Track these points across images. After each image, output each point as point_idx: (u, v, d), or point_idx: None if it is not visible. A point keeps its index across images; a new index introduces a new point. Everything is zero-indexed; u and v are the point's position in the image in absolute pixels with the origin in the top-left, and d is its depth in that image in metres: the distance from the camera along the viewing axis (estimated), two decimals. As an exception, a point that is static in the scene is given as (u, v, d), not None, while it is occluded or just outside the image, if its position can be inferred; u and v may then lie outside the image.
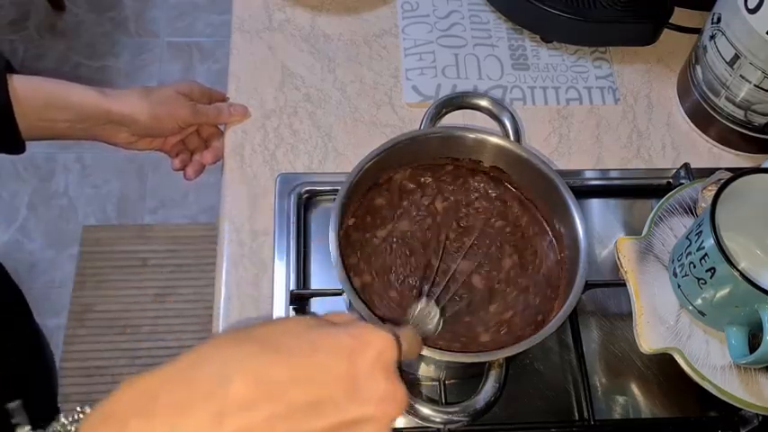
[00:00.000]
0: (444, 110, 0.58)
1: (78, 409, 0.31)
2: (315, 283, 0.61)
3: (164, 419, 0.29)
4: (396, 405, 0.33)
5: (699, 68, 0.69)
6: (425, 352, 0.46)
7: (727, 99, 0.66)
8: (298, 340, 0.32)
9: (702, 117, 0.71)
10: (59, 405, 0.79)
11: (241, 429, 0.29)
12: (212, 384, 0.30)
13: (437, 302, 0.45)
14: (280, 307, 0.59)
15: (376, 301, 0.52)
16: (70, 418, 0.31)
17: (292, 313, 0.58)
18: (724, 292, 0.50)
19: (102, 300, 1.47)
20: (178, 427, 0.29)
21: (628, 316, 0.56)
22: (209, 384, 0.30)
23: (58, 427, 0.30)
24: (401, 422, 0.56)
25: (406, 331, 0.38)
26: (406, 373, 0.50)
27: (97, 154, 1.63)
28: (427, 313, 0.44)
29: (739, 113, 0.67)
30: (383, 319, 0.50)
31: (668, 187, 0.65)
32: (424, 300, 0.44)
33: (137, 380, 0.30)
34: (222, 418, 0.29)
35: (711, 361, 0.53)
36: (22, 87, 0.60)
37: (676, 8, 0.77)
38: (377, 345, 0.33)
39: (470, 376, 0.56)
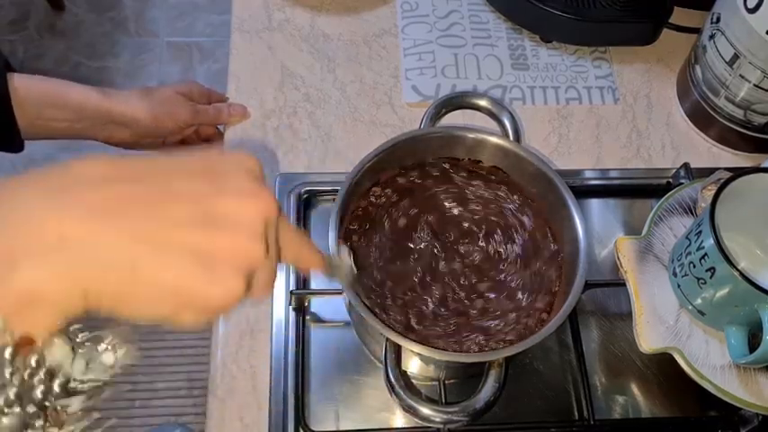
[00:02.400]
0: (444, 110, 0.58)
1: None
2: (315, 284, 0.61)
3: (12, 189, 0.27)
4: (261, 201, 0.30)
5: (698, 68, 0.69)
6: (425, 351, 0.47)
7: (727, 99, 0.66)
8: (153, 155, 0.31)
9: (702, 117, 0.71)
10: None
11: (90, 201, 0.27)
12: (56, 173, 0.28)
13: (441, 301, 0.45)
14: (280, 307, 0.59)
15: (376, 302, 0.52)
16: None
17: (292, 314, 0.58)
18: (724, 291, 0.50)
19: (102, 300, 1.46)
20: (15, 205, 0.26)
21: (627, 316, 0.56)
22: (52, 172, 0.28)
23: None
24: (401, 422, 0.56)
25: (292, 226, 0.35)
26: (406, 374, 0.50)
27: (97, 154, 1.63)
28: (340, 255, 0.43)
29: (739, 113, 0.67)
30: (383, 320, 0.50)
31: (668, 187, 0.65)
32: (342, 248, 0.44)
33: None
34: (70, 188, 0.27)
35: (711, 361, 0.53)
36: (22, 86, 0.60)
37: (676, 8, 0.77)
38: (240, 154, 0.32)
39: (470, 376, 0.56)
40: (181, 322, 0.30)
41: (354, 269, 0.45)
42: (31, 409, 0.26)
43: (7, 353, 0.25)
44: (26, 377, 0.26)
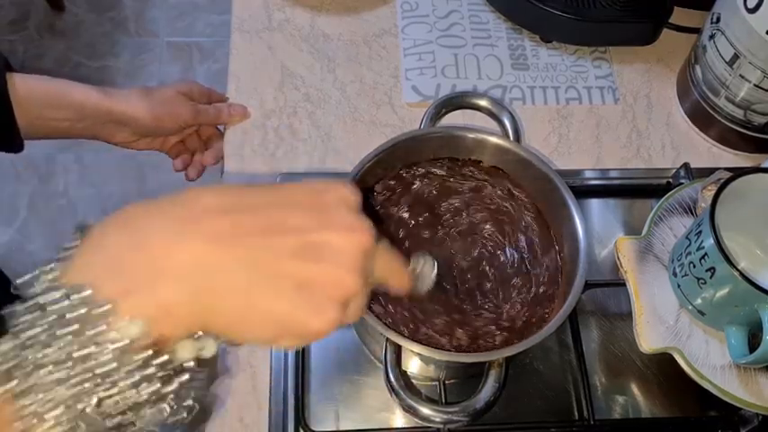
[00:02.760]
0: (444, 110, 0.58)
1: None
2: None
3: (136, 227, 0.30)
4: (360, 234, 0.33)
5: (698, 68, 0.69)
6: (425, 351, 0.47)
7: (727, 99, 0.66)
8: (263, 186, 0.34)
9: (702, 117, 0.71)
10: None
11: (210, 233, 0.30)
12: (184, 201, 0.31)
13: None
14: (280, 307, 0.59)
15: (376, 302, 0.52)
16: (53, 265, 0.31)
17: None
18: (724, 291, 0.50)
19: (102, 300, 1.46)
20: (152, 230, 0.30)
21: (628, 316, 0.56)
22: (181, 201, 0.32)
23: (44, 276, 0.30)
24: (401, 422, 0.56)
25: (385, 245, 0.37)
26: (406, 374, 0.50)
27: (97, 155, 1.63)
28: (423, 268, 0.43)
29: (739, 113, 0.67)
30: (383, 320, 0.50)
31: (668, 187, 0.65)
32: (420, 253, 0.44)
33: (113, 214, 0.32)
34: (194, 220, 0.30)
35: (711, 361, 0.53)
36: (23, 86, 0.60)
37: (676, 8, 0.77)
38: (341, 187, 0.34)
39: (470, 376, 0.56)
40: (279, 345, 0.33)
41: (434, 277, 0.45)
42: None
43: (147, 353, 0.29)
44: (157, 373, 0.29)
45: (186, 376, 0.31)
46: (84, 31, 1.83)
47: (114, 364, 0.28)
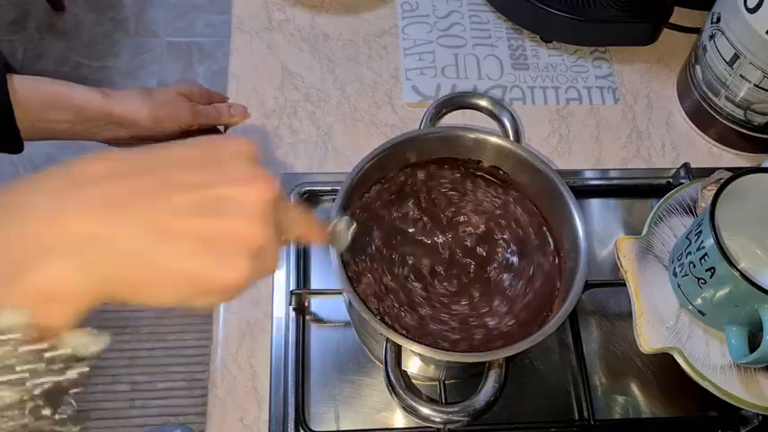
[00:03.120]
0: (444, 110, 0.58)
1: None
2: (315, 283, 0.61)
3: (10, 208, 0.28)
4: (260, 184, 0.32)
5: (698, 68, 0.69)
6: (425, 351, 0.47)
7: (727, 99, 0.66)
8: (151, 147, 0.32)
9: (702, 117, 0.71)
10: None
11: (99, 198, 0.28)
12: (62, 172, 0.30)
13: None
14: (280, 307, 0.59)
15: (376, 302, 0.52)
16: None
17: (292, 314, 0.58)
18: (724, 291, 0.50)
19: (101, 300, 1.47)
20: (26, 207, 0.28)
21: (628, 316, 0.56)
22: (59, 172, 0.30)
23: None
24: (401, 422, 0.56)
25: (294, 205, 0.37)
26: (406, 374, 0.50)
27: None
28: (339, 225, 0.43)
29: (739, 113, 0.67)
30: (384, 320, 0.50)
31: (668, 187, 0.65)
32: (343, 217, 0.44)
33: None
34: (79, 187, 0.29)
35: (711, 361, 0.53)
36: (23, 88, 0.60)
37: (676, 8, 0.77)
38: (235, 139, 0.33)
39: (470, 376, 0.56)
40: (194, 306, 0.31)
41: (351, 236, 0.44)
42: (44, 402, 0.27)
43: (25, 347, 0.26)
44: (42, 368, 0.27)
45: (76, 371, 0.28)
46: (84, 31, 1.83)
47: None
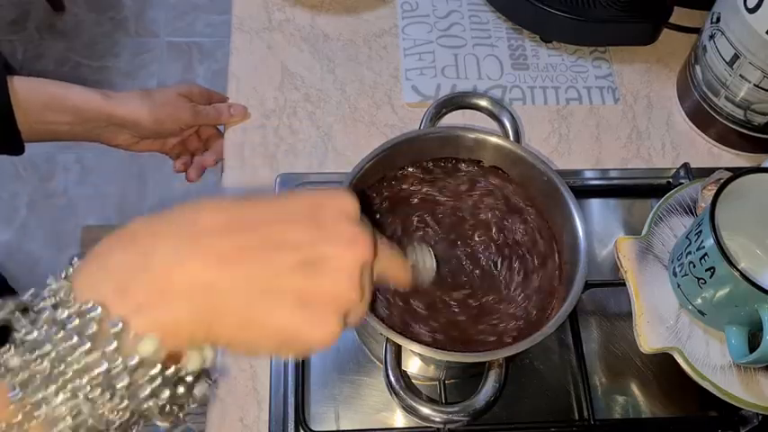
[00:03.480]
0: (444, 110, 0.58)
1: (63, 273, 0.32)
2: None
3: (140, 247, 0.31)
4: (359, 246, 0.33)
5: (698, 68, 0.69)
6: (425, 351, 0.47)
7: (727, 99, 0.66)
8: (262, 200, 0.35)
9: (702, 117, 0.71)
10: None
11: (211, 253, 0.31)
12: (185, 220, 0.32)
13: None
14: (280, 307, 0.59)
15: (376, 302, 0.52)
16: (59, 277, 0.32)
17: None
18: (724, 291, 0.50)
19: (102, 300, 1.46)
20: (155, 250, 0.31)
21: (628, 316, 0.56)
22: (181, 220, 0.32)
23: (52, 288, 0.31)
24: (401, 422, 0.56)
25: (385, 242, 0.38)
26: (406, 374, 0.50)
27: (97, 154, 1.63)
28: (423, 260, 0.43)
29: (739, 113, 0.67)
30: (383, 320, 0.50)
31: (668, 187, 0.65)
32: (416, 244, 0.44)
33: (118, 230, 0.32)
34: (194, 241, 0.31)
35: (711, 360, 0.53)
36: (23, 89, 0.60)
37: (676, 8, 0.77)
38: (339, 197, 0.35)
39: (470, 376, 0.56)
40: (282, 356, 0.35)
41: (434, 267, 0.45)
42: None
43: (158, 367, 0.30)
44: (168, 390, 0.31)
45: (193, 383, 0.32)
46: (84, 31, 1.83)
47: (126, 380, 0.29)
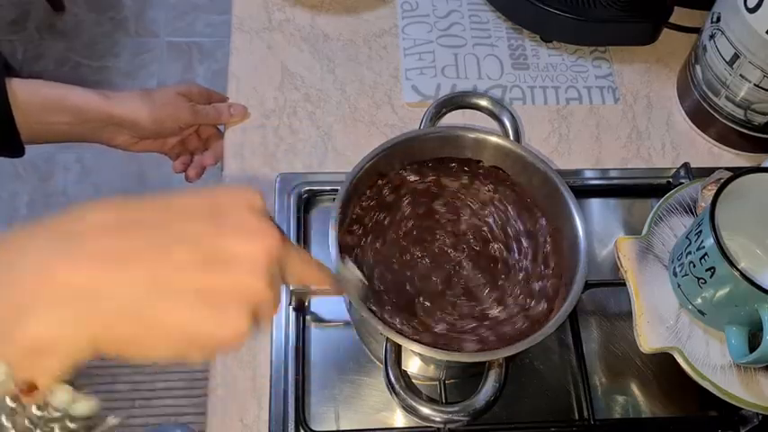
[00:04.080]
0: (444, 109, 0.58)
1: None
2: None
3: (7, 254, 0.27)
4: (264, 237, 0.31)
5: (698, 68, 0.69)
6: (425, 351, 0.46)
7: (727, 98, 0.66)
8: (157, 198, 0.32)
9: (702, 116, 0.71)
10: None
11: (96, 253, 0.28)
12: (68, 220, 0.29)
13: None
14: (280, 306, 0.59)
15: (376, 302, 0.52)
16: None
17: (292, 314, 0.58)
18: (724, 291, 0.50)
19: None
20: (24, 256, 0.27)
21: (628, 315, 0.56)
22: (64, 220, 0.29)
23: None
24: (401, 422, 0.56)
25: (296, 246, 0.36)
26: (406, 374, 0.50)
27: (97, 154, 1.63)
28: (345, 272, 0.43)
29: (739, 113, 0.67)
30: (383, 320, 0.50)
31: (668, 187, 0.65)
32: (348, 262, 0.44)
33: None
34: (75, 240, 0.28)
35: (711, 360, 0.53)
36: (22, 91, 0.60)
37: (676, 8, 0.77)
38: (241, 191, 0.33)
39: (470, 376, 0.56)
40: (189, 360, 0.31)
41: (364, 281, 0.45)
42: None
43: (8, 400, 0.25)
44: (27, 424, 0.26)
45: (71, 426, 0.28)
46: (84, 31, 1.83)
47: None
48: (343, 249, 0.51)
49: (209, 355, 0.31)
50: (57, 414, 0.27)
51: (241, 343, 0.30)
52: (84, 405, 0.28)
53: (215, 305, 0.29)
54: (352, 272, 0.44)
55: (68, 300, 0.27)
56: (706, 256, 0.50)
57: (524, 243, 0.56)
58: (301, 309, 0.59)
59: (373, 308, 0.50)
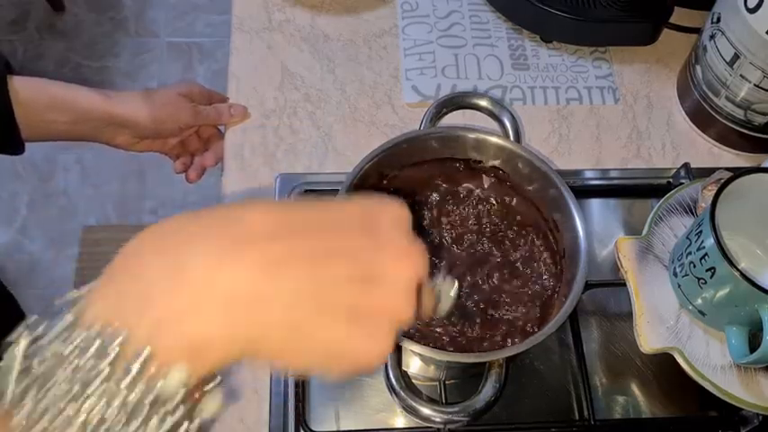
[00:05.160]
0: (444, 110, 0.58)
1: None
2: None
3: (172, 250, 0.28)
4: (414, 259, 0.31)
5: (699, 68, 0.69)
6: (425, 351, 0.47)
7: (727, 99, 0.66)
8: (313, 205, 0.32)
9: (702, 117, 0.71)
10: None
11: (259, 259, 0.28)
12: (228, 220, 0.29)
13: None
14: (280, 307, 0.59)
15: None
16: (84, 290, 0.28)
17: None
18: (724, 291, 0.50)
19: (102, 300, 1.46)
20: (189, 254, 0.28)
21: (628, 316, 0.56)
22: (224, 220, 0.29)
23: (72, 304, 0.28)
24: (401, 422, 0.56)
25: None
26: (407, 374, 0.50)
27: (97, 154, 1.63)
28: (444, 287, 0.42)
29: (739, 113, 0.67)
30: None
31: (668, 187, 0.65)
32: (441, 275, 0.43)
33: (151, 228, 0.29)
34: (240, 244, 0.28)
35: (711, 361, 0.53)
36: (24, 89, 0.60)
37: (676, 8, 0.77)
38: (393, 206, 0.32)
39: (470, 376, 0.56)
40: (329, 374, 0.31)
41: (454, 299, 0.43)
42: None
43: (181, 395, 0.27)
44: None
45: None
46: (84, 31, 1.83)
47: (146, 409, 0.26)
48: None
49: (348, 373, 0.31)
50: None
51: (381, 362, 0.31)
52: (212, 406, 0.29)
53: (366, 324, 0.30)
54: (450, 290, 0.42)
55: (229, 305, 0.27)
56: (706, 257, 0.50)
57: (524, 243, 0.56)
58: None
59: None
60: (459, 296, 0.44)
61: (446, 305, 0.41)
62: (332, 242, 0.30)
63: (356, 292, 0.29)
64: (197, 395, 0.28)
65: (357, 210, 0.32)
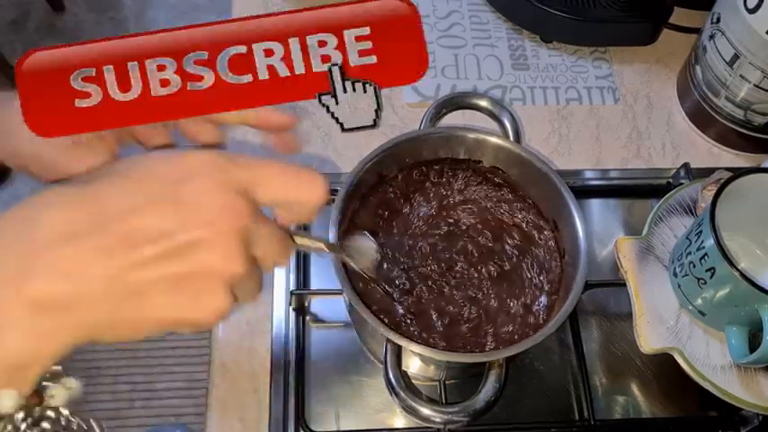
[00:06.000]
0: (444, 110, 0.58)
1: None
2: (315, 284, 0.61)
3: None
4: (229, 218, 0.30)
5: (698, 68, 0.69)
6: (425, 351, 0.47)
7: (727, 99, 0.66)
8: (111, 180, 0.31)
9: (702, 117, 0.71)
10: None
11: (62, 264, 0.28)
12: (22, 227, 0.29)
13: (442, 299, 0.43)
14: (280, 307, 0.59)
15: (376, 302, 0.52)
16: None
17: (292, 315, 0.58)
18: (724, 291, 0.50)
19: (102, 300, 1.46)
20: None
21: (628, 316, 0.56)
22: (18, 227, 0.29)
23: None
24: (401, 422, 0.56)
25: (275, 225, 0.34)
26: (406, 375, 0.50)
27: (97, 154, 1.62)
28: (362, 248, 0.42)
29: (739, 113, 0.67)
30: (383, 320, 0.50)
31: (668, 187, 0.65)
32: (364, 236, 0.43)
33: None
34: (39, 252, 0.28)
35: (711, 361, 0.53)
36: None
37: (676, 8, 0.77)
38: (200, 161, 0.31)
39: (470, 376, 0.56)
40: (178, 332, 0.32)
41: (379, 251, 0.43)
42: None
43: (20, 416, 0.27)
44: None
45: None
46: (84, 31, 1.83)
47: None
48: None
49: (196, 330, 0.31)
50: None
51: (224, 318, 0.31)
52: (68, 393, 0.30)
53: (189, 290, 0.30)
54: (367, 243, 0.42)
55: (40, 314, 0.27)
56: (706, 257, 0.50)
57: (524, 243, 0.56)
58: (301, 309, 0.59)
59: (374, 307, 0.50)
60: (380, 253, 0.44)
61: (367, 261, 0.41)
62: (133, 230, 0.29)
63: (168, 265, 0.29)
64: (44, 394, 0.29)
65: (161, 177, 0.31)
